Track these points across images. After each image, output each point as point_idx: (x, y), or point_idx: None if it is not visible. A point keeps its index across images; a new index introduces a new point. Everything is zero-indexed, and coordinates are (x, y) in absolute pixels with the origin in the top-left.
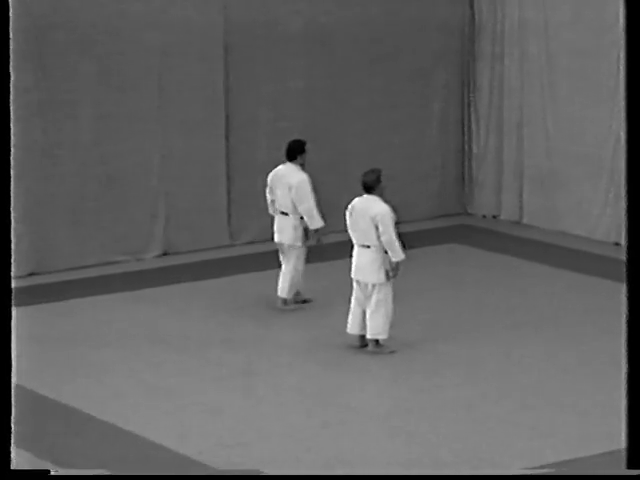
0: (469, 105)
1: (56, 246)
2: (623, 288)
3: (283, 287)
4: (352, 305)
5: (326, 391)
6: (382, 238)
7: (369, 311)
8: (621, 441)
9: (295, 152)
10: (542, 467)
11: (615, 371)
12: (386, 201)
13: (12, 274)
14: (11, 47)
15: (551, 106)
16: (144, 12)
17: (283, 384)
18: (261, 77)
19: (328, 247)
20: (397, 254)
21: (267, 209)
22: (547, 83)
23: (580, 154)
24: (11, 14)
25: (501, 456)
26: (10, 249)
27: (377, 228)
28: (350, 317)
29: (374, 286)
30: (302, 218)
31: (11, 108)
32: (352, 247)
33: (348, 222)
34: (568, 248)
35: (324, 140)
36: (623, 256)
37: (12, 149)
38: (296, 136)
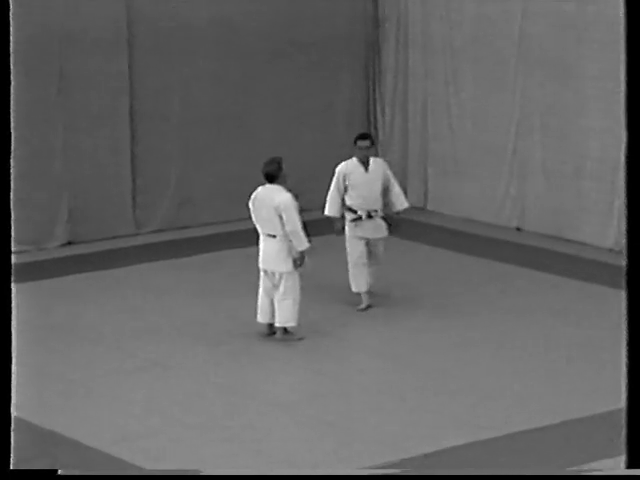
0: (374, 92)
1: None
2: (524, 272)
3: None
4: (260, 294)
5: (236, 380)
6: (286, 227)
7: (277, 299)
8: (520, 423)
9: (368, 138)
10: (450, 449)
11: (518, 353)
12: (289, 190)
13: None
14: None
15: (454, 92)
16: None
17: (193, 374)
18: (166, 65)
19: (235, 235)
20: (301, 243)
21: (172, 197)
22: (450, 70)
23: (483, 140)
24: None
25: (408, 440)
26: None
27: (281, 217)
28: (259, 306)
29: (282, 275)
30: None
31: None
32: (258, 236)
33: (252, 212)
34: (471, 234)
35: (231, 129)
36: (524, 240)
37: None
38: (202, 124)
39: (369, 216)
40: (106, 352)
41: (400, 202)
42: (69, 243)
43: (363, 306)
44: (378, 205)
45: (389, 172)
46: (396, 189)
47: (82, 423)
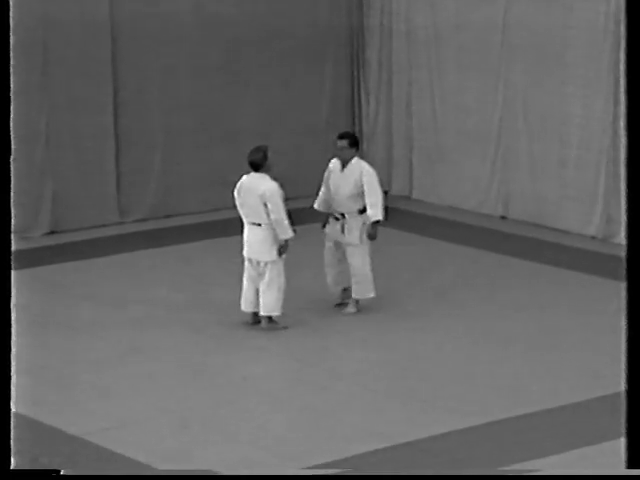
0: (359, 81)
1: None
2: (508, 260)
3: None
4: (244, 283)
5: (220, 368)
6: (271, 216)
7: (262, 288)
8: (506, 410)
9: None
10: (432, 438)
11: (505, 341)
12: (274, 178)
13: None
14: None
15: (438, 81)
16: None
17: (176, 362)
18: (150, 52)
19: (220, 223)
20: (285, 232)
21: (156, 186)
22: (434, 58)
23: (467, 128)
24: None
25: (390, 428)
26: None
27: (266, 206)
28: (243, 295)
29: (266, 264)
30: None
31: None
32: (243, 225)
33: (237, 200)
34: (456, 222)
35: (215, 117)
36: (508, 228)
37: None
38: (187, 113)
39: (334, 218)
40: (90, 341)
41: (372, 213)
42: (52, 232)
43: (338, 302)
44: (345, 209)
45: (368, 179)
46: (371, 199)
47: (64, 412)
